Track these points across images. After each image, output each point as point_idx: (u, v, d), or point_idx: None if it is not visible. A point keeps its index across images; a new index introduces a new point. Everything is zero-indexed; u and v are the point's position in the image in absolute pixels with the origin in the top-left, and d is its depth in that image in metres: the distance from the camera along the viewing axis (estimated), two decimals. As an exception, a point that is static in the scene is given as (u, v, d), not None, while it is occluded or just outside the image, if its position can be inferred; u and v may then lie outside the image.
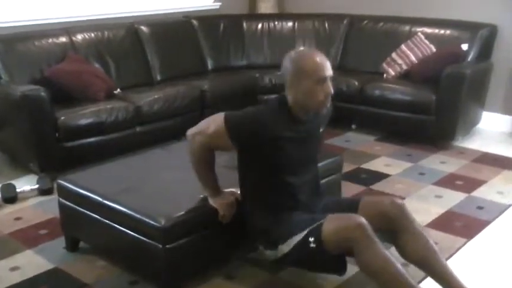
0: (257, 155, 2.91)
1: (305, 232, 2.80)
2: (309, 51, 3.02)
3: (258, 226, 3.01)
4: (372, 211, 2.92)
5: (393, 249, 2.98)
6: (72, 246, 3.57)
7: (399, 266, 2.68)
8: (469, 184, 4.64)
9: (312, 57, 2.86)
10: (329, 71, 2.85)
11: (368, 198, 3.13)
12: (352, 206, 3.01)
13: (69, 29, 5.52)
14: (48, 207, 4.11)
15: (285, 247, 2.89)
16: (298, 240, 2.83)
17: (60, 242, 3.63)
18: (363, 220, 2.69)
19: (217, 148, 2.95)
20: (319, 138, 3.15)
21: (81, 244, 3.58)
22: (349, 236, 2.68)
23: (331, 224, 2.75)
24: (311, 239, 2.77)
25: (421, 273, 2.99)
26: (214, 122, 2.90)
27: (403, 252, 2.95)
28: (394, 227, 2.93)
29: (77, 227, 3.53)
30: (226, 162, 3.11)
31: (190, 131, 2.98)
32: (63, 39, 5.40)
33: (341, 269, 2.87)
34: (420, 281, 3.02)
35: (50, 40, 5.32)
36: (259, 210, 3.01)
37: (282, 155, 2.90)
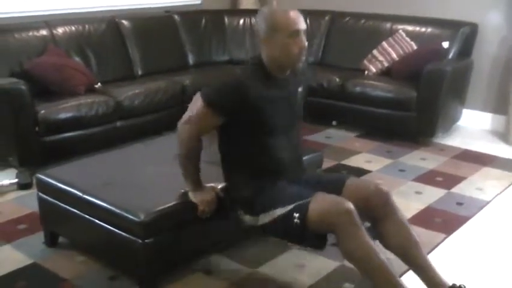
0: (238, 119, 2.87)
1: (291, 207, 2.77)
2: (281, 7, 3.01)
3: (241, 196, 2.97)
4: (355, 195, 2.88)
5: (377, 242, 2.96)
6: (51, 241, 3.55)
7: (382, 256, 2.67)
8: (449, 180, 4.67)
9: (284, 12, 2.86)
10: (302, 24, 2.85)
11: (353, 181, 3.06)
12: (336, 186, 2.96)
13: (49, 22, 5.48)
14: (28, 202, 4.08)
15: (267, 217, 2.85)
16: (282, 213, 2.79)
17: (39, 237, 3.60)
18: (351, 206, 2.66)
19: (207, 129, 2.92)
20: (300, 100, 3.10)
21: (60, 239, 3.55)
22: (335, 221, 2.65)
23: (319, 204, 2.71)
24: (296, 215, 2.74)
25: (404, 267, 2.99)
26: (195, 105, 2.88)
27: (384, 240, 2.93)
28: (376, 213, 2.91)
29: (56, 221, 3.51)
30: (206, 157, 3.09)
31: (179, 122, 2.96)
32: (43, 32, 5.35)
33: (321, 246, 2.84)
34: (402, 275, 3.04)
35: (30, 33, 5.27)
36: (242, 179, 2.97)
37: (263, 114, 2.86)
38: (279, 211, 2.81)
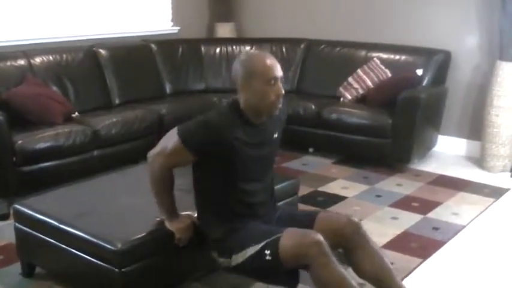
0: (212, 162, 2.90)
1: (261, 244, 2.79)
2: (258, 53, 3.04)
3: (213, 237, 2.99)
4: (327, 227, 2.92)
5: (350, 269, 3.00)
6: (28, 271, 3.53)
7: (355, 284, 2.70)
8: (425, 206, 4.72)
9: (262, 59, 2.89)
10: (279, 72, 2.87)
11: (324, 214, 3.12)
12: (308, 221, 3.00)
13: (27, 51, 5.47)
14: (4, 233, 4.05)
15: (240, 257, 2.87)
16: (254, 251, 2.81)
17: (16, 267, 3.58)
18: (321, 237, 2.69)
19: (178, 165, 2.95)
20: (275, 145, 3.13)
21: (37, 270, 3.53)
22: (306, 252, 2.68)
23: (289, 239, 2.74)
24: (267, 252, 2.76)
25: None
26: (169, 139, 2.90)
27: (358, 270, 2.96)
28: (349, 244, 2.94)
29: (33, 252, 3.49)
30: (182, 185, 3.11)
31: (150, 153, 2.98)
32: (21, 61, 5.35)
33: (294, 283, 2.86)
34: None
35: (8, 63, 5.27)
36: (214, 220, 2.99)
37: (237, 159, 2.88)
38: (251, 250, 2.83)
